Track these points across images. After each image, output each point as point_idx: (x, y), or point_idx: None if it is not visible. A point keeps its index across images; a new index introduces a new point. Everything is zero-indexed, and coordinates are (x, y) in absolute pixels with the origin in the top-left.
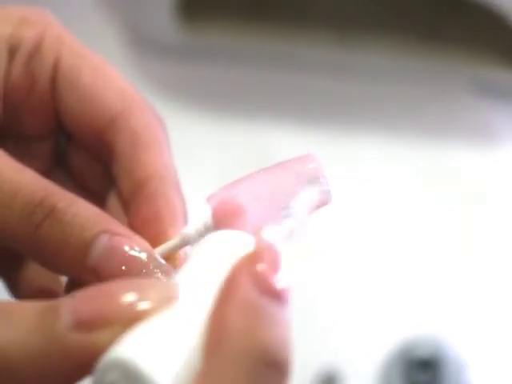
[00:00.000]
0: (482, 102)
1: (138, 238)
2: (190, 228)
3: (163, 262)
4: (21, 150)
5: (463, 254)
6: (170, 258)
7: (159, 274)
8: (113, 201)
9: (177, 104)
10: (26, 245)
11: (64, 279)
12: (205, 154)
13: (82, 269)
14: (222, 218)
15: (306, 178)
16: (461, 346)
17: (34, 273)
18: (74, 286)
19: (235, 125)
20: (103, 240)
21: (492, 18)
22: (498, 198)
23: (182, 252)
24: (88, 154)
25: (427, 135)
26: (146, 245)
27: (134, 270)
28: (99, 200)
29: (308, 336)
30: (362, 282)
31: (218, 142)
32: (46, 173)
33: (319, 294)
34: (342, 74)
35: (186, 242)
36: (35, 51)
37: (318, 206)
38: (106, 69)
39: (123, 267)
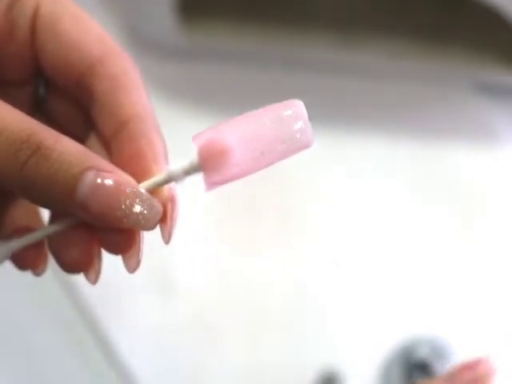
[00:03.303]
0: (483, 102)
1: (123, 174)
2: (176, 165)
3: (149, 195)
4: (0, 96)
5: (463, 255)
6: (154, 193)
7: (145, 208)
8: (93, 143)
9: (177, 104)
10: (13, 182)
11: (45, 217)
12: None
13: (70, 204)
14: (208, 157)
15: (287, 122)
16: (461, 346)
17: (17, 212)
18: (55, 221)
19: None
20: (90, 175)
21: (492, 18)
22: (498, 198)
23: (166, 188)
24: (67, 99)
25: (427, 135)
26: (132, 180)
27: (120, 204)
28: (79, 143)
29: (309, 336)
30: (362, 282)
31: None
32: None
33: (320, 294)
34: (342, 73)
35: (170, 179)
36: (15, 0)
37: (299, 149)
38: (84, 16)
39: (110, 202)
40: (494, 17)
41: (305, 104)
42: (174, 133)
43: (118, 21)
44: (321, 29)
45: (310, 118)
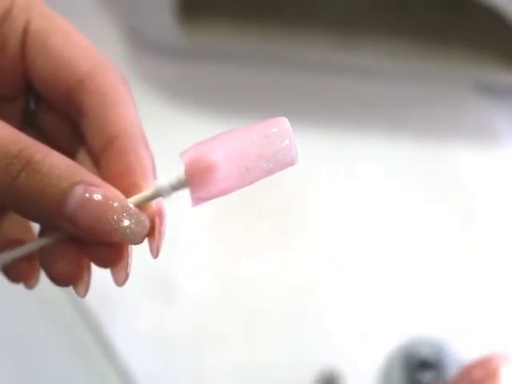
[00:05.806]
0: (483, 102)
1: (112, 188)
2: (163, 181)
3: (137, 210)
4: None
5: (463, 255)
6: (142, 208)
7: (133, 222)
8: (82, 158)
9: (176, 104)
10: (4, 196)
11: (36, 230)
12: None
13: (59, 218)
14: (195, 173)
15: (272, 140)
16: (461, 346)
17: (8, 225)
18: (45, 235)
19: (235, 124)
20: (79, 190)
21: (492, 18)
22: (498, 197)
23: (153, 203)
24: (57, 114)
25: (427, 135)
26: (120, 195)
27: (108, 219)
28: (69, 158)
29: (309, 336)
30: (362, 282)
31: None
32: None
33: (320, 294)
34: (342, 74)
35: (158, 194)
36: (6, 16)
37: (284, 166)
38: (74, 32)
39: (98, 216)
40: (494, 17)
41: (305, 104)
42: (174, 133)
43: (118, 21)
44: (321, 29)
45: (311, 118)
